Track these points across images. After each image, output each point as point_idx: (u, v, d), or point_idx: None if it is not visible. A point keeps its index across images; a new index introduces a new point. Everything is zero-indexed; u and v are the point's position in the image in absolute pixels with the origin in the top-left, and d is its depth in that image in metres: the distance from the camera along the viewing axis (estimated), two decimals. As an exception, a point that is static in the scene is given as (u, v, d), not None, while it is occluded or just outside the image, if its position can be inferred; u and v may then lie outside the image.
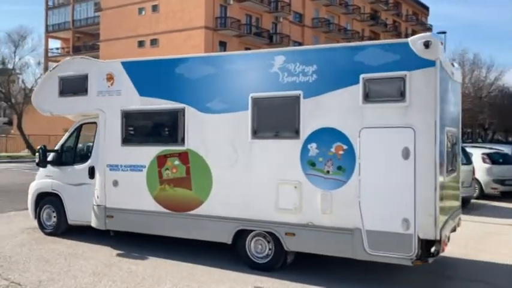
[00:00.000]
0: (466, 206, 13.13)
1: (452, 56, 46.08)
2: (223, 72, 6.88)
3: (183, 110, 7.16)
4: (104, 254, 7.51)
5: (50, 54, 59.69)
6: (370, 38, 61.07)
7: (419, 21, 71.76)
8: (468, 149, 14.23)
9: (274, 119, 6.55)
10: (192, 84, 7.11)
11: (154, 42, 43.34)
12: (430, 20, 76.69)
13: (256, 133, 6.60)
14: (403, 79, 5.69)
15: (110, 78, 7.86)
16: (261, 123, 6.58)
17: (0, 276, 6.33)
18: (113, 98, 7.80)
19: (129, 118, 7.73)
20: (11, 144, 37.53)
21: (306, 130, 6.25)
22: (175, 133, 7.27)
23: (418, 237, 5.62)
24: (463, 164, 12.80)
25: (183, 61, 7.31)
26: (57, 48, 61.33)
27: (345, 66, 6.07)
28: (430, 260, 5.72)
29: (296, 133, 6.31)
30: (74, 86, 8.19)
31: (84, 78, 8.08)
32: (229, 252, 7.19)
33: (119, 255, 7.43)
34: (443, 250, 5.86)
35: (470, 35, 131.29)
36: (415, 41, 5.68)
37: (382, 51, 5.88)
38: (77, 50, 56.84)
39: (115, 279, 6.27)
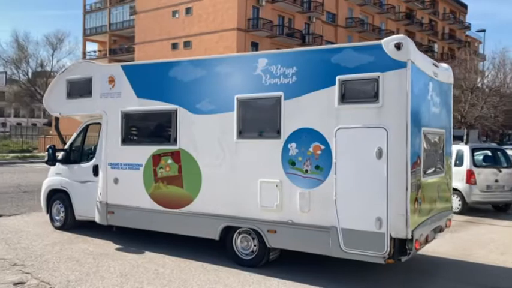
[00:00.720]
0: (506, 211, 12.61)
1: (493, 55, 44.53)
2: (212, 74, 7.13)
3: (175, 111, 7.46)
4: (132, 254, 7.57)
5: (87, 57, 61.29)
6: (405, 38, 59.82)
7: (457, 19, 69.76)
8: (509, 152, 13.60)
9: (258, 119, 6.79)
10: (183, 86, 7.40)
11: (187, 44, 43.83)
12: (469, 19, 74.53)
13: (241, 133, 6.84)
14: (376, 80, 5.81)
15: (111, 80, 8.26)
16: (246, 123, 6.82)
17: (30, 275, 6.43)
18: (114, 99, 8.19)
19: (127, 119, 8.10)
20: (49, 145, 38.73)
21: (286, 130, 6.45)
22: (169, 133, 7.59)
23: (391, 236, 5.71)
24: (504, 167, 12.33)
25: (176, 64, 7.61)
26: (94, 51, 62.94)
27: (323, 68, 6.22)
28: (403, 258, 5.81)
29: (277, 133, 6.51)
30: (80, 89, 8.67)
31: (88, 81, 8.53)
32: None
33: (146, 256, 7.46)
34: (416, 249, 5.91)
35: (510, 33, 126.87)
36: (388, 43, 5.79)
37: (357, 53, 6.00)
38: (113, 53, 58.21)
39: (142, 280, 6.28)
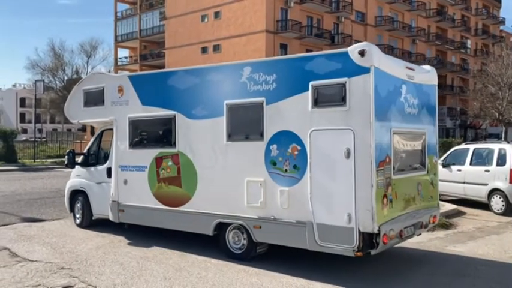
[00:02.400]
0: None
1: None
2: (204, 82, 7.78)
3: (174, 117, 8.14)
4: (175, 258, 7.67)
5: (119, 63, 62.51)
6: (437, 35, 58.63)
7: (491, 14, 67.99)
8: None
9: (244, 123, 7.37)
10: (181, 93, 8.09)
11: (217, 48, 44.24)
12: (503, 13, 72.25)
13: (230, 136, 7.44)
14: (344, 85, 6.30)
15: (120, 90, 9.04)
16: (234, 127, 7.42)
17: (78, 278, 6.60)
18: (123, 107, 8.97)
19: (134, 124, 8.85)
20: (83, 150, 39.63)
21: (268, 133, 7.01)
22: (169, 137, 8.27)
23: (359, 231, 6.16)
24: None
25: (174, 73, 8.39)
26: (126, 57, 64.19)
27: (298, 74, 6.76)
28: (373, 252, 6.23)
29: (261, 136, 7.08)
30: (94, 98, 9.52)
31: (101, 91, 9.36)
32: (294, 259, 7.44)
33: (188, 259, 7.56)
34: (384, 243, 6.23)
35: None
36: (353, 50, 6.28)
37: (327, 60, 6.54)
38: (144, 58, 59.25)
39: (185, 284, 6.35)
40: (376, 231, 6.10)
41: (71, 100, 10.24)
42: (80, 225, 10.11)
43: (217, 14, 44.39)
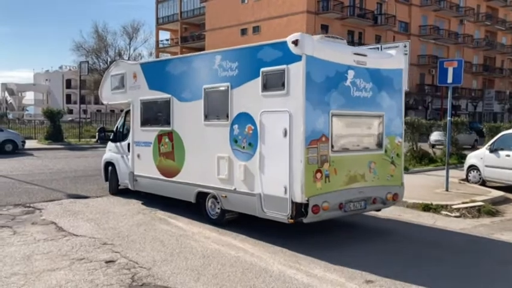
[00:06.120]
0: None
1: None
2: (190, 69, 9.22)
3: (170, 99, 9.66)
4: (213, 236, 7.85)
5: (160, 45, 63.33)
6: (486, 15, 56.07)
7: (548, -9, 64.01)
8: None
9: (216, 105, 8.65)
10: (174, 78, 9.60)
11: (256, 29, 44.41)
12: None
13: (206, 117, 8.82)
14: (283, 71, 7.12)
15: (134, 76, 10.66)
16: (209, 109, 8.79)
17: (119, 254, 6.81)
18: (136, 91, 10.63)
19: (144, 106, 10.52)
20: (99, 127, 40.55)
21: (232, 114, 8.06)
22: (167, 117, 9.80)
23: (291, 201, 7.00)
24: None
25: (171, 61, 10.04)
26: (167, 40, 65.00)
27: (253, 62, 7.67)
28: (305, 220, 7.02)
29: (227, 117, 8.16)
30: (118, 83, 11.29)
31: (122, 77, 11.09)
32: (337, 245, 7.51)
33: (227, 238, 7.79)
34: (314, 213, 6.98)
35: None
36: (289, 40, 7.02)
37: (272, 49, 7.39)
38: (184, 41, 60.01)
39: (224, 262, 6.44)
40: (304, 201, 6.90)
41: (103, 84, 12.11)
42: (110, 192, 11.96)
43: (257, -5, 44.02)
